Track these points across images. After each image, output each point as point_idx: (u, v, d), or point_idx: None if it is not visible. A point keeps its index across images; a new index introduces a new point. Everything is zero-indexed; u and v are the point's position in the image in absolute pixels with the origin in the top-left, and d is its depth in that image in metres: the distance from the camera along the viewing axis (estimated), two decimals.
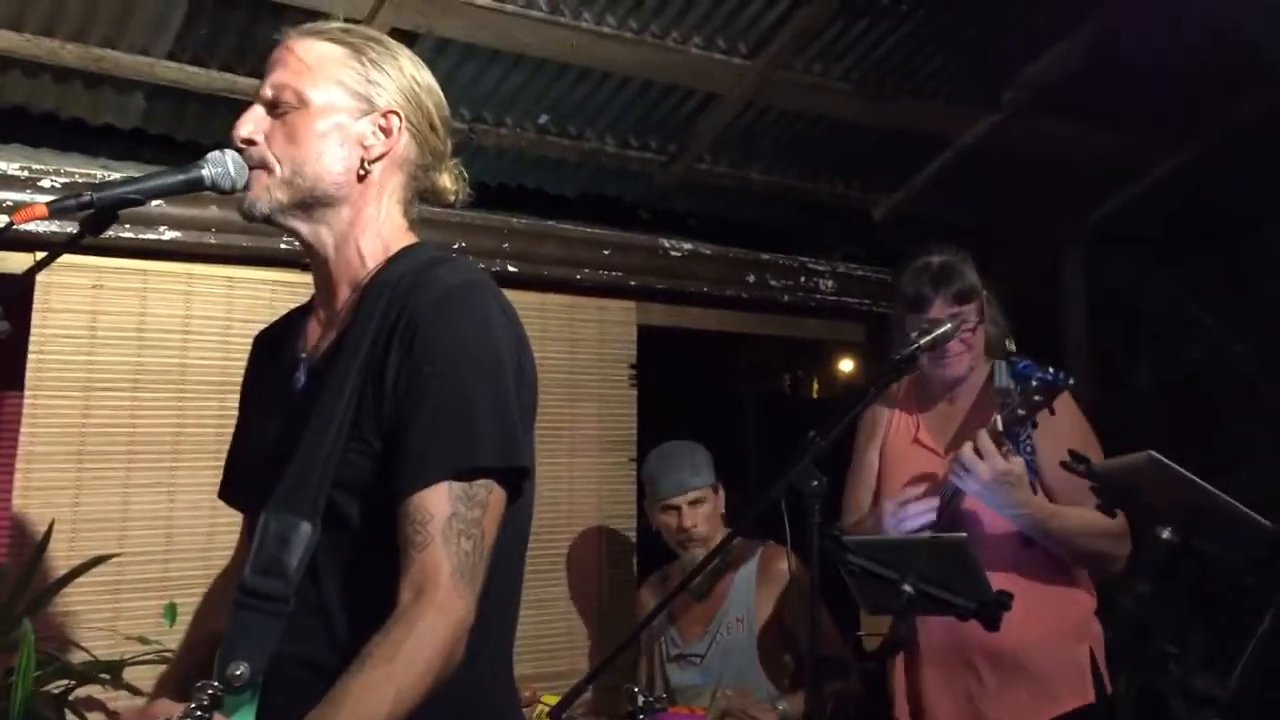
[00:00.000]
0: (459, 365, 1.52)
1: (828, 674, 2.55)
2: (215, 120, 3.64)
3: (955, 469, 2.53)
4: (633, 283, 3.75)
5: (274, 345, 1.81)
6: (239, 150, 1.64)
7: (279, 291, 3.26)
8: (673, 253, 3.78)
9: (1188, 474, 1.97)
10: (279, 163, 1.63)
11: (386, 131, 1.68)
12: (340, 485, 1.52)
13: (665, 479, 3.25)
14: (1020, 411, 2.46)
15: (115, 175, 2.97)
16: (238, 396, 3.16)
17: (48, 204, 1.56)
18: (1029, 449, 2.60)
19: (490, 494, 1.51)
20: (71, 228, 1.65)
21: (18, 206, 2.84)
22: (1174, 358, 4.55)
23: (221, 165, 1.63)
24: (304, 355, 1.69)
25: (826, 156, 4.29)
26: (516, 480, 1.56)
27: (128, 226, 2.96)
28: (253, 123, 1.65)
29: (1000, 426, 2.48)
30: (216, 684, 1.29)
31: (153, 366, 3.13)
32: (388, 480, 1.50)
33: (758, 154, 4.18)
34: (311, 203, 1.65)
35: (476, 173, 3.89)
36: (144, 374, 3.12)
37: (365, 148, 1.66)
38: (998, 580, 2.50)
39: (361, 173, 1.66)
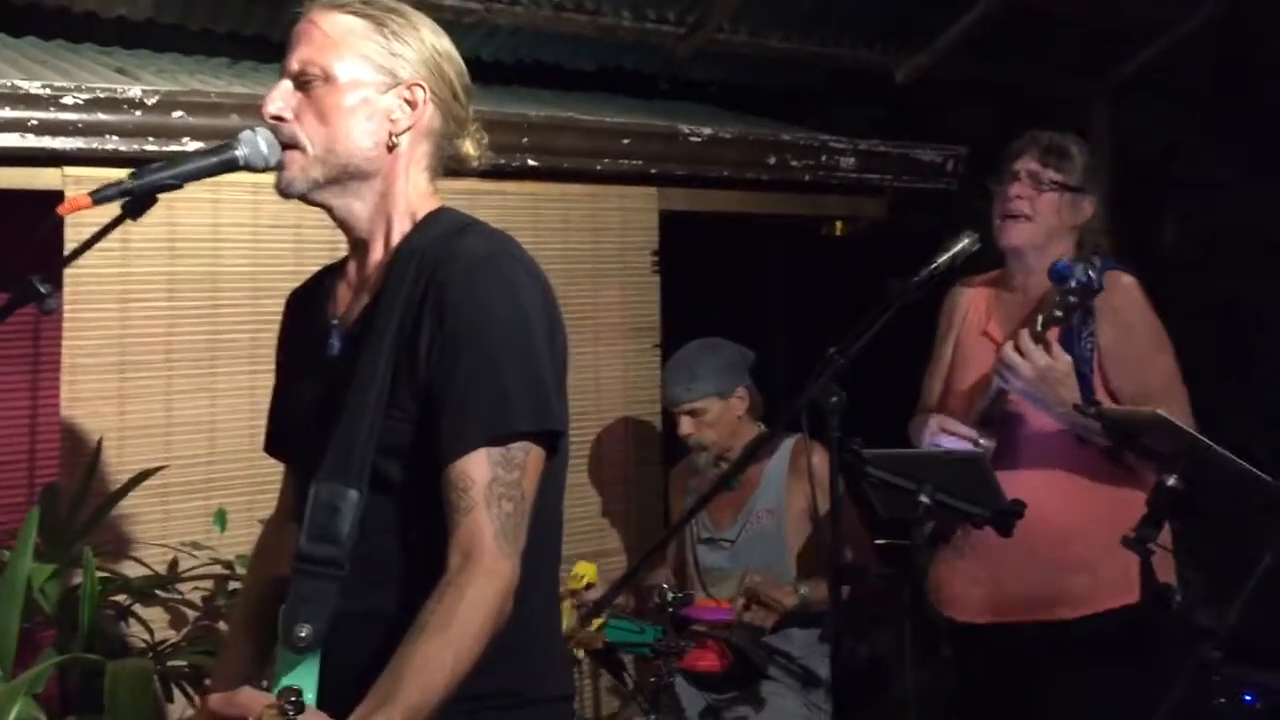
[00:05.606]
0: (489, 333, 1.57)
1: (846, 579, 2.66)
2: (226, 11, 3.61)
3: (998, 368, 2.52)
4: (653, 170, 3.74)
5: (305, 306, 1.86)
6: (270, 127, 1.67)
7: None
8: (692, 138, 3.75)
9: (1192, 431, 2.02)
10: (311, 142, 1.66)
11: (412, 104, 1.70)
12: (383, 451, 1.59)
13: (668, 390, 3.38)
14: (1056, 313, 2.43)
15: (136, 89, 2.95)
16: (269, 303, 3.22)
17: (91, 195, 1.60)
18: (1089, 346, 2.53)
19: (528, 455, 1.58)
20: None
21: (41, 124, 2.88)
22: (1198, 219, 4.52)
23: (253, 145, 1.66)
24: (336, 321, 1.74)
25: (848, 19, 4.22)
26: (551, 439, 1.63)
27: (151, 140, 2.97)
28: (281, 99, 1.67)
29: (1040, 326, 2.46)
30: (299, 690, 1.39)
31: (186, 275, 3.17)
32: (428, 445, 1.57)
33: (778, 20, 4.11)
34: (345, 178, 1.68)
35: (493, 51, 3.96)
36: (178, 283, 3.16)
37: (392, 121, 1.69)
38: (1043, 478, 2.51)
39: (390, 145, 1.69)
